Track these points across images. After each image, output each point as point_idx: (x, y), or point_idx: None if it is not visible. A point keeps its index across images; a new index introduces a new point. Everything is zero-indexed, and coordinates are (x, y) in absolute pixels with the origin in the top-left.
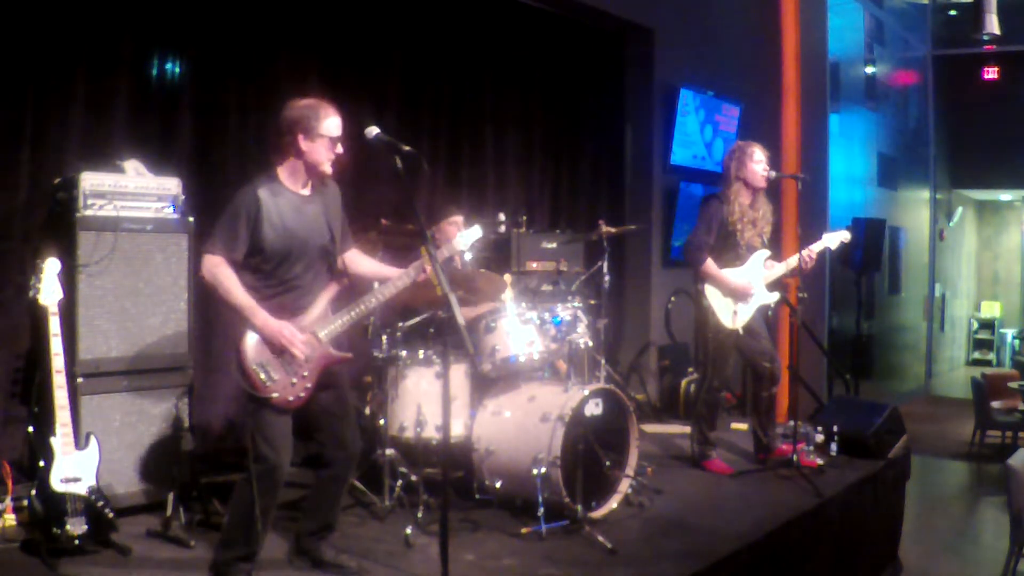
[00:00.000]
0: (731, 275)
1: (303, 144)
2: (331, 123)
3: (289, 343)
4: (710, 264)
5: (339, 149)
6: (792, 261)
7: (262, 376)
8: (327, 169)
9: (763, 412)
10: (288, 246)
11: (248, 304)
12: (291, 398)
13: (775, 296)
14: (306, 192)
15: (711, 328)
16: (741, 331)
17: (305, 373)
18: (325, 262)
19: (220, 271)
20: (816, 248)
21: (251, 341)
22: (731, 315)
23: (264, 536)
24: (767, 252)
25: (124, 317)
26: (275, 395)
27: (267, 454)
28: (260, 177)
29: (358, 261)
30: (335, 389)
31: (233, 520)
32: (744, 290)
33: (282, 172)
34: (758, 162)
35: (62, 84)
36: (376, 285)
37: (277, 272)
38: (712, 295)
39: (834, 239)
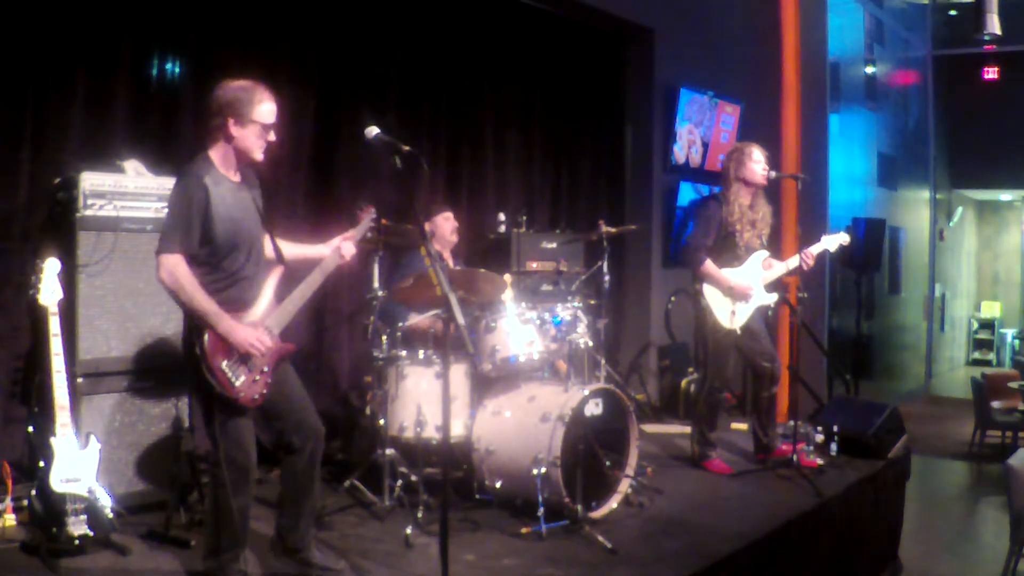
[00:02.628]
0: (730, 275)
1: (233, 129)
2: (264, 108)
3: (258, 350)
4: (709, 264)
5: (271, 136)
6: (792, 262)
7: (230, 376)
8: (258, 156)
9: (763, 412)
10: (235, 236)
11: (213, 309)
12: (255, 396)
13: (774, 297)
14: (236, 178)
15: (709, 328)
16: (739, 331)
17: (264, 369)
18: (263, 250)
19: (180, 272)
20: (815, 250)
21: (210, 341)
22: (729, 315)
23: (247, 533)
24: (766, 253)
25: (124, 317)
26: (241, 395)
27: (237, 456)
28: (196, 164)
29: (279, 246)
30: (284, 373)
31: (215, 527)
32: (743, 290)
33: (215, 157)
34: (757, 161)
35: (62, 84)
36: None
37: (224, 264)
38: (710, 295)
39: (833, 241)
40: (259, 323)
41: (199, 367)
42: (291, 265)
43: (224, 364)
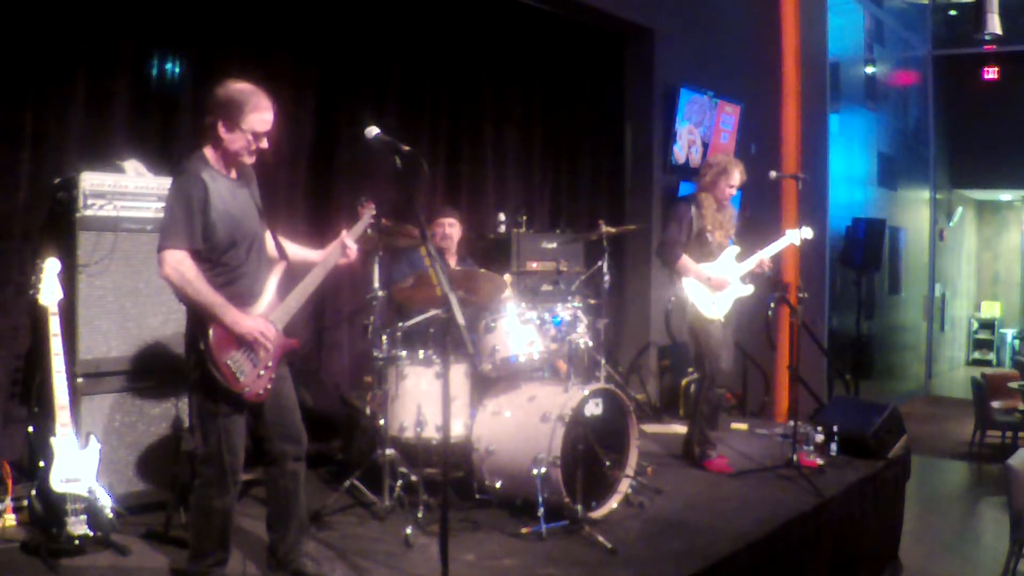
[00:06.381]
0: (707, 268)
1: (222, 131)
2: (256, 117)
3: (265, 340)
4: (686, 259)
5: (263, 144)
6: (762, 254)
7: (235, 370)
8: (247, 161)
9: (704, 417)
10: (234, 232)
11: (219, 301)
12: (260, 391)
13: (750, 289)
14: (233, 175)
15: (698, 321)
16: (723, 320)
17: (269, 364)
18: (263, 245)
19: (185, 267)
20: (777, 247)
21: (216, 336)
22: (711, 305)
23: (230, 539)
24: (737, 248)
25: (124, 317)
26: (247, 389)
27: (225, 457)
28: (192, 161)
29: (282, 242)
30: (282, 378)
31: (199, 528)
32: (721, 281)
33: (209, 155)
34: (732, 185)
35: (62, 84)
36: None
37: (224, 259)
38: (691, 289)
39: (796, 235)
40: (264, 316)
41: (203, 362)
42: (293, 266)
43: (229, 359)
